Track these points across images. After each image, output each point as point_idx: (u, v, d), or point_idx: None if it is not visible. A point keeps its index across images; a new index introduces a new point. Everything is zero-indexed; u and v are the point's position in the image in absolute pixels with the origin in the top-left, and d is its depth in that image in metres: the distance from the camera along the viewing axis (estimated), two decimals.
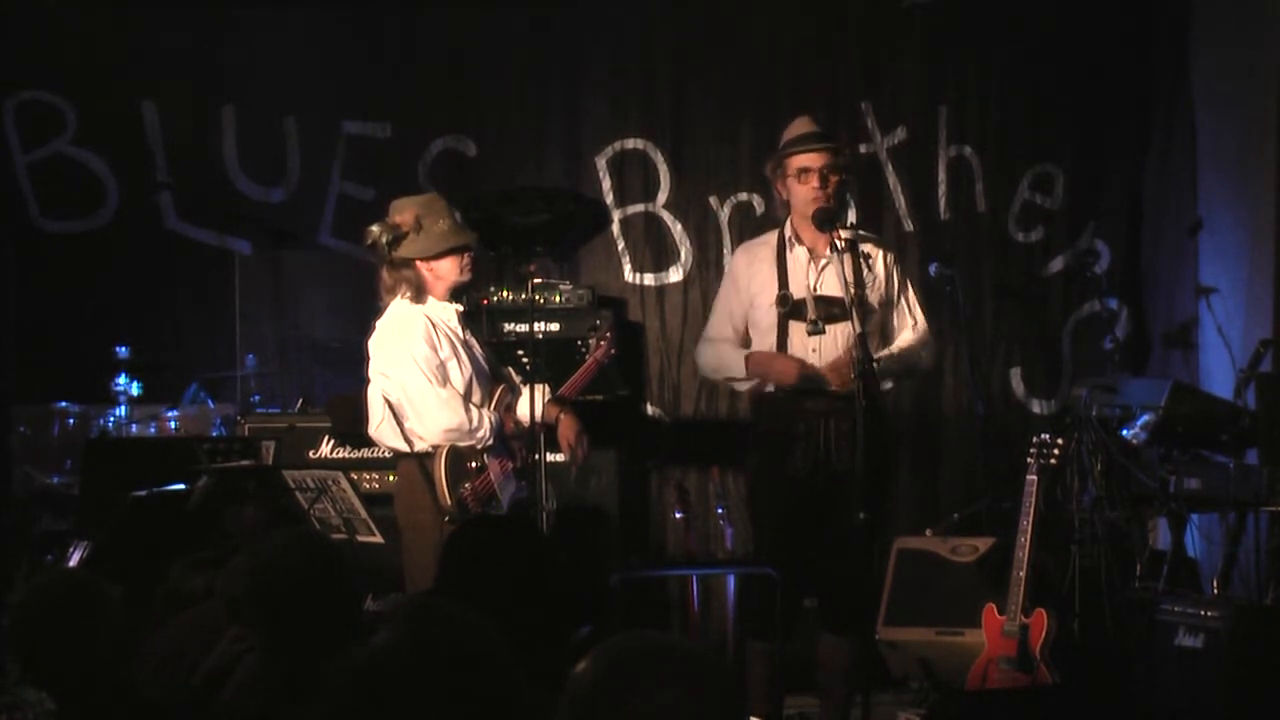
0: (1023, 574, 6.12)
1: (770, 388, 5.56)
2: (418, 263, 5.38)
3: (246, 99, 7.70)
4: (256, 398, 7.49)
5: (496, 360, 5.75)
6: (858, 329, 5.27)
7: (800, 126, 5.62)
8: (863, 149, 7.80)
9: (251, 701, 3.49)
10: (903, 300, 5.66)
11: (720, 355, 5.67)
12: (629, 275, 7.82)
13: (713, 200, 7.85)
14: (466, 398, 5.35)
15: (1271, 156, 7.45)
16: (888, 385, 5.57)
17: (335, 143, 7.72)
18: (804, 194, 5.50)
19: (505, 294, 7.27)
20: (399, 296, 5.41)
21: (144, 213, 7.65)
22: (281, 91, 7.71)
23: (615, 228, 7.82)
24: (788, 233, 5.60)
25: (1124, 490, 6.64)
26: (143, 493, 6.06)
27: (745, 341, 5.66)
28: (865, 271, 5.54)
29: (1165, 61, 8.03)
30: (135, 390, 7.30)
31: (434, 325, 5.37)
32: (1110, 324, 7.78)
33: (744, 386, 5.62)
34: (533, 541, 4.01)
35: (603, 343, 5.86)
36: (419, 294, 5.39)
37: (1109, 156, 8.05)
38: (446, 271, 5.41)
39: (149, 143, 7.64)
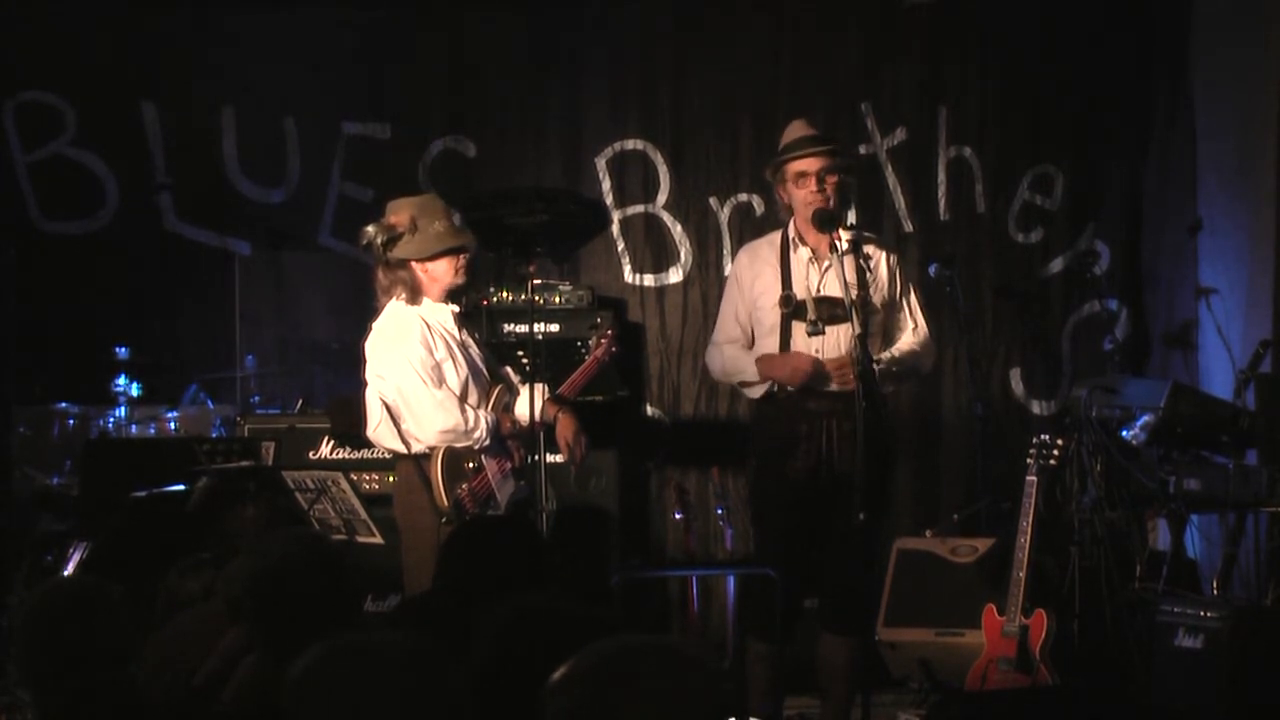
0: (1022, 574, 6.12)
1: (774, 388, 5.55)
2: (412, 264, 5.37)
3: (246, 99, 7.69)
4: (256, 398, 7.49)
5: (496, 361, 5.75)
6: (858, 330, 5.26)
7: (796, 130, 5.60)
8: (862, 150, 7.80)
9: (251, 701, 3.49)
10: (904, 302, 5.65)
11: (732, 359, 5.65)
12: (629, 276, 7.82)
13: (712, 201, 7.84)
14: (462, 399, 5.34)
15: (1271, 157, 7.45)
16: (888, 389, 5.56)
17: (335, 143, 7.72)
18: (803, 197, 5.50)
19: (505, 294, 7.26)
20: (394, 298, 5.40)
21: (144, 213, 7.65)
22: (281, 92, 7.71)
23: (615, 228, 7.81)
24: (791, 234, 5.59)
25: (1124, 491, 6.63)
26: (142, 493, 6.06)
27: (753, 341, 5.65)
28: (867, 273, 5.54)
29: (1165, 62, 8.03)
30: (135, 391, 7.30)
31: (429, 327, 5.35)
32: (1110, 325, 7.78)
33: (757, 391, 5.61)
34: (530, 542, 4.02)
35: (603, 341, 5.86)
36: (414, 295, 5.38)
37: (1109, 157, 8.04)
38: (441, 273, 5.39)
39: (149, 143, 7.64)
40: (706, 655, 2.17)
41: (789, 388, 5.49)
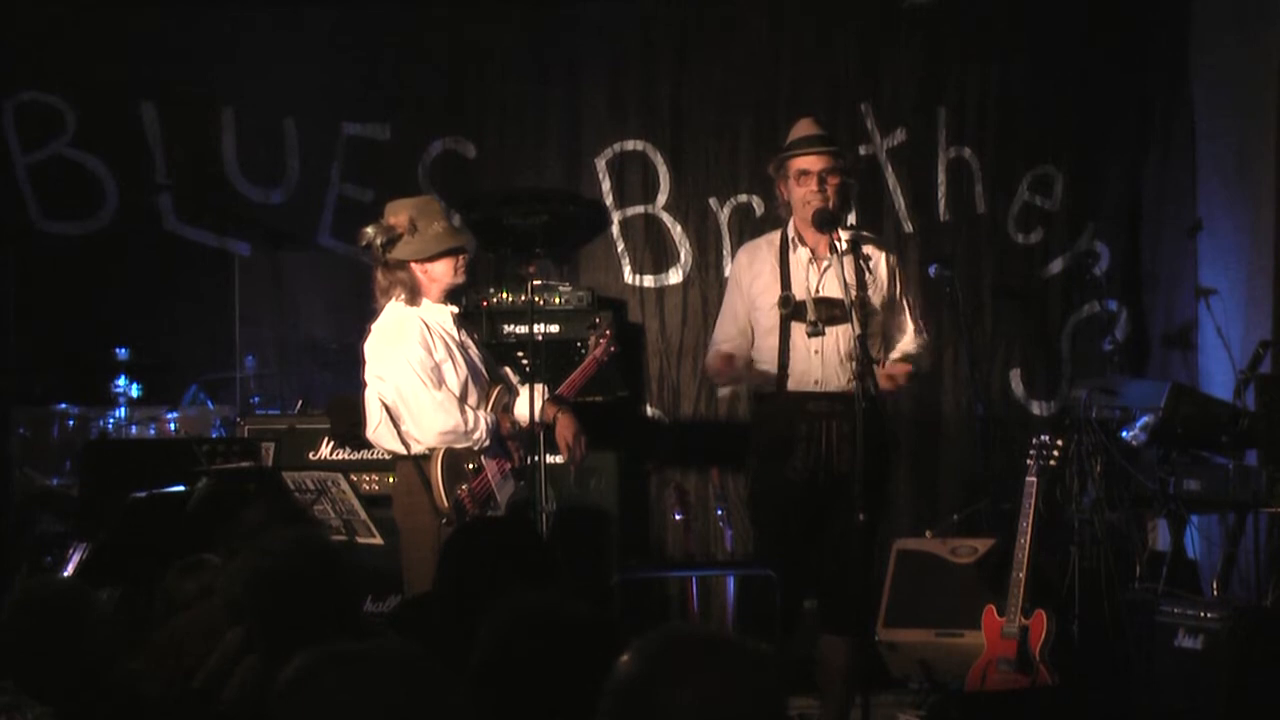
0: (1022, 575, 6.12)
1: (772, 388, 5.56)
2: (412, 265, 5.37)
3: (246, 100, 7.69)
4: (256, 399, 7.49)
5: (495, 361, 5.75)
6: (857, 331, 5.26)
7: (803, 128, 5.60)
8: (862, 150, 7.80)
9: (251, 702, 3.49)
10: (903, 303, 5.65)
11: (709, 360, 5.71)
12: (629, 277, 7.82)
13: (712, 201, 7.84)
14: (462, 399, 5.34)
15: (1271, 158, 7.45)
16: (886, 389, 5.55)
17: (335, 144, 7.72)
18: (803, 196, 5.49)
19: (505, 295, 7.26)
20: (393, 299, 5.40)
21: (144, 214, 7.65)
22: (281, 92, 7.71)
23: (615, 229, 7.82)
24: (790, 233, 5.59)
25: (1123, 491, 6.64)
26: (142, 494, 6.06)
27: (754, 341, 5.65)
28: (866, 274, 5.53)
29: (1165, 62, 8.04)
30: (135, 392, 7.29)
31: (428, 328, 5.35)
32: (1110, 325, 7.79)
33: (724, 392, 5.64)
34: (530, 542, 4.01)
35: (602, 341, 5.85)
36: (413, 296, 5.38)
37: (1109, 157, 8.05)
38: (441, 274, 5.40)
39: (149, 144, 7.64)
40: (762, 649, 2.17)
41: (789, 388, 5.49)
